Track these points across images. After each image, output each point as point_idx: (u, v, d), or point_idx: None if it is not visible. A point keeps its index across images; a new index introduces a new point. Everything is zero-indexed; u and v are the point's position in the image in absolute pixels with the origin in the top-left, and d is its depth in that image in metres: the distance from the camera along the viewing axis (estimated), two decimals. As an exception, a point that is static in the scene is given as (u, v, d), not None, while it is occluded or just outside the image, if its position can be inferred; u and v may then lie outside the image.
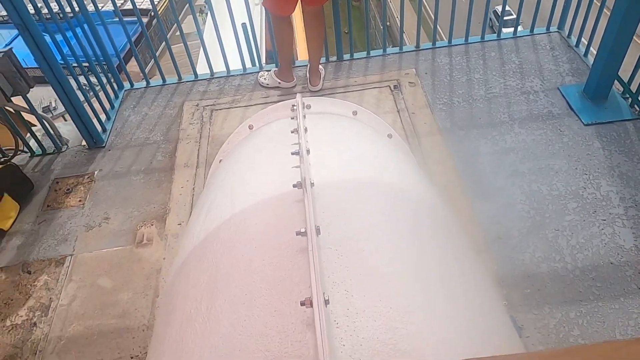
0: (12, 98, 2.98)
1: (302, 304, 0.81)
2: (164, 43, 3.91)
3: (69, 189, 3.13)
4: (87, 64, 3.42)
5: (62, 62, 3.03)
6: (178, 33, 3.70)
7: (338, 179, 1.18)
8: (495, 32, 3.97)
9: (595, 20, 3.41)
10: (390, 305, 0.85)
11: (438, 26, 3.76)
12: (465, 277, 1.04)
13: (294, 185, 1.09)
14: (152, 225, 2.83)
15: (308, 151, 1.23)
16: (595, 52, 3.20)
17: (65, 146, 3.46)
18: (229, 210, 1.18)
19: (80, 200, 3.05)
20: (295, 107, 1.78)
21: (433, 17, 3.69)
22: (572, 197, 2.63)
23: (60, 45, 3.05)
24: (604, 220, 2.49)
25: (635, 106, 3.08)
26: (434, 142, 3.08)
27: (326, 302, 0.80)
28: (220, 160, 2.02)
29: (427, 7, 14.61)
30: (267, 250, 0.98)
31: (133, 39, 3.69)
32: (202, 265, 1.06)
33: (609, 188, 2.65)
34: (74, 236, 2.83)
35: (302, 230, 0.94)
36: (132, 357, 2.26)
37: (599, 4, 3.31)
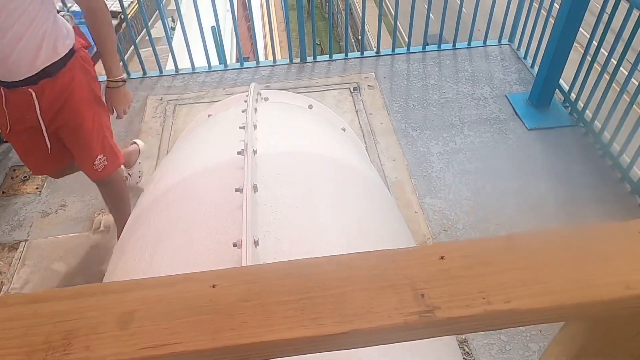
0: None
1: (234, 244, 0.90)
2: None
3: (25, 177, 3.11)
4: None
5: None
6: (147, 37, 3.74)
7: (281, 150, 1.29)
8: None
9: (541, 34, 3.67)
10: (315, 252, 0.96)
11: (399, 32, 3.95)
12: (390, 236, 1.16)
13: (238, 153, 1.19)
14: (109, 213, 2.85)
15: (255, 126, 1.33)
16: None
17: (24, 135, 3.43)
18: (178, 176, 1.26)
19: (37, 188, 3.04)
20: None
21: (393, 24, 3.87)
22: (512, 195, 2.82)
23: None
24: (541, 215, 2.68)
25: (574, 114, 3.33)
26: (389, 141, 3.23)
27: (255, 243, 0.90)
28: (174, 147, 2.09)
29: (389, 15, 15.03)
30: (209, 206, 1.07)
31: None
32: (149, 221, 1.14)
33: (546, 187, 2.86)
34: (29, 222, 2.82)
35: (241, 187, 1.04)
36: (83, 339, 2.27)
37: (545, 14, 3.56)
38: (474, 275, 0.55)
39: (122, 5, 3.67)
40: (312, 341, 0.51)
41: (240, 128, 1.36)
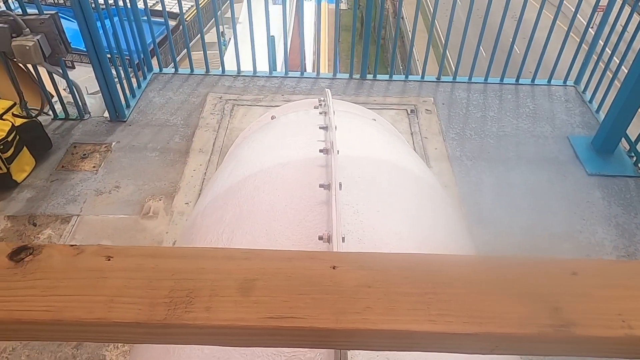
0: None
1: (321, 238, 0.89)
2: (198, 35, 4.05)
3: (85, 154, 3.22)
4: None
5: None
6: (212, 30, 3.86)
7: (360, 154, 1.28)
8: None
9: (610, 80, 3.57)
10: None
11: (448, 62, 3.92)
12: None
13: (320, 151, 1.19)
14: (160, 200, 2.90)
15: (336, 127, 1.33)
16: (607, 111, 3.35)
17: (88, 115, 3.57)
18: (256, 167, 1.27)
19: (94, 167, 3.14)
20: (322, 102, 1.88)
21: (457, 54, 3.85)
22: (566, 238, 2.71)
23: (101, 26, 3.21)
24: (595, 264, 2.56)
25: (639, 165, 3.20)
26: (442, 167, 3.19)
27: (343, 239, 0.88)
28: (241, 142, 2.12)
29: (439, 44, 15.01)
30: (290, 199, 1.07)
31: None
32: (226, 206, 1.15)
33: (604, 236, 2.74)
34: (83, 198, 2.91)
35: (326, 183, 1.03)
36: (121, 319, 2.30)
37: (618, 62, 3.46)
38: (610, 297, 0.52)
39: (180, 8, 3.82)
40: (438, 338, 0.49)
41: (320, 128, 1.36)
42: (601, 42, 3.84)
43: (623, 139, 3.30)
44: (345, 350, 0.63)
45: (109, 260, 0.55)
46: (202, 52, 3.98)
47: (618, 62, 3.57)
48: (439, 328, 0.49)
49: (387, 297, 0.51)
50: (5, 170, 2.88)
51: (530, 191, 3.02)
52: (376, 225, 1.01)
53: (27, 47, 2.91)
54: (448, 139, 3.43)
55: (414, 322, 0.49)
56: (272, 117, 2.09)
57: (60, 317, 0.49)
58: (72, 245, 0.56)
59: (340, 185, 1.03)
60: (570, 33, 3.66)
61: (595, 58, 3.84)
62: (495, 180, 3.08)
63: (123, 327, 0.49)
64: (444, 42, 3.85)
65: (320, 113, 1.52)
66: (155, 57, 4.06)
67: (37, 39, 2.94)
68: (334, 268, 0.54)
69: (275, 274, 0.53)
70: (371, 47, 4.05)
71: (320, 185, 1.04)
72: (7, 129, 2.85)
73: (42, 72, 3.35)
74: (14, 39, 2.93)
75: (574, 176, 3.13)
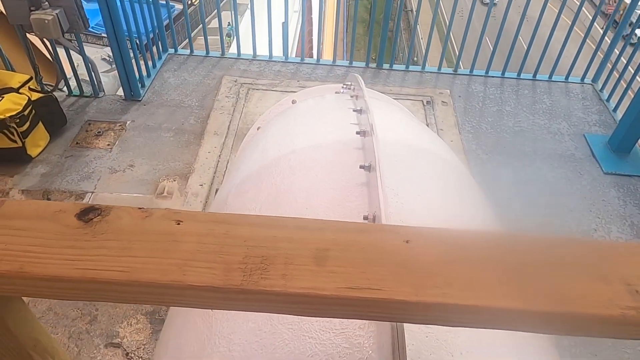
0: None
1: (365, 218, 0.88)
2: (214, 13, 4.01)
3: (99, 132, 3.21)
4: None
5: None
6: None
7: (394, 139, 1.26)
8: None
9: (630, 80, 3.54)
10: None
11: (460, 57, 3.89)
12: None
13: (357, 133, 1.17)
14: (174, 180, 2.90)
15: (369, 110, 1.32)
16: (624, 110, 3.32)
17: (102, 93, 3.55)
18: (288, 148, 1.26)
19: (108, 144, 3.13)
20: (348, 86, 1.86)
21: (476, 47, 3.81)
22: (581, 236, 2.70)
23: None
24: (610, 262, 2.56)
25: (656, 166, 3.18)
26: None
27: (387, 219, 0.87)
28: (258, 128, 2.09)
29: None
30: (329, 179, 1.06)
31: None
32: (260, 185, 1.14)
33: (619, 235, 2.73)
34: (98, 176, 2.90)
35: (367, 164, 1.02)
36: (135, 296, 2.30)
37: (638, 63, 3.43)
38: (692, 282, 0.51)
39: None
40: (519, 315, 0.48)
41: (354, 111, 1.34)
42: (621, 41, 3.80)
43: (640, 139, 3.27)
44: (420, 323, 0.62)
45: (179, 224, 0.54)
46: (215, 37, 3.95)
47: (638, 62, 3.53)
48: (521, 305, 0.48)
49: (466, 274, 0.50)
50: (20, 144, 2.87)
51: (546, 187, 3.00)
52: (417, 209, 1.00)
53: (46, 21, 2.88)
54: (464, 131, 3.40)
55: (495, 298, 0.48)
56: (293, 102, 2.07)
57: (135, 278, 0.48)
58: (140, 208, 0.55)
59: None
60: (590, 30, 3.62)
61: (616, 56, 3.80)
62: (511, 175, 3.07)
63: (199, 291, 0.49)
64: (462, 36, 3.81)
65: (352, 97, 1.50)
66: (170, 38, 4.03)
67: (56, 13, 2.91)
68: (407, 242, 0.53)
69: (349, 245, 0.52)
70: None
71: (361, 167, 1.03)
72: (24, 102, 2.83)
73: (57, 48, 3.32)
74: (33, 12, 2.91)
75: (590, 174, 3.11)
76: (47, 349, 0.66)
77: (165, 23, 3.89)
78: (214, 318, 0.84)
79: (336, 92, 1.95)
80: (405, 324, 0.74)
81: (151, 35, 3.76)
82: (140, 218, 0.54)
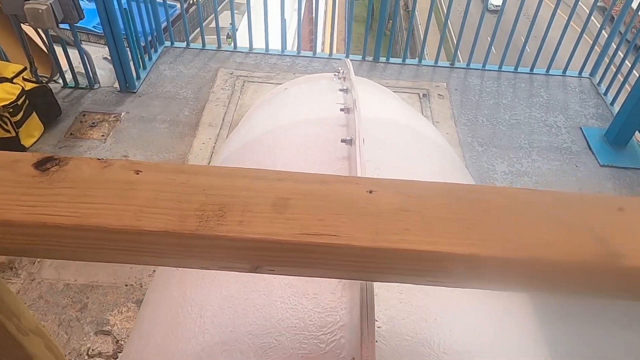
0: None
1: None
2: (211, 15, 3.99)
3: (94, 123, 3.20)
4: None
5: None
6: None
7: (381, 117, 1.25)
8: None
9: (627, 73, 3.52)
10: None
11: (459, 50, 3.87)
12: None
13: (341, 110, 1.16)
14: (168, 171, 2.89)
15: (353, 88, 1.31)
16: (621, 103, 3.31)
17: (98, 84, 3.55)
18: (273, 124, 1.25)
19: (102, 135, 3.12)
20: (339, 72, 1.85)
21: (473, 40, 3.79)
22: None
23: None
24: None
25: (652, 158, 3.16)
26: (452, 152, 3.15)
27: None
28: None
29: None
30: (310, 153, 1.05)
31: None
32: (243, 161, 1.13)
33: (614, 226, 2.71)
34: (91, 166, 2.89)
35: (348, 138, 1.01)
36: (126, 285, 2.30)
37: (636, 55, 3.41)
38: (659, 232, 0.50)
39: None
40: (479, 262, 0.47)
41: (340, 90, 1.34)
42: (619, 34, 3.79)
43: (637, 131, 3.25)
44: (377, 279, 0.61)
45: (138, 174, 0.53)
46: (213, 35, 3.94)
47: (635, 55, 3.51)
48: (480, 251, 0.47)
49: (426, 221, 0.49)
50: (14, 134, 2.87)
51: (541, 179, 2.99)
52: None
53: (40, 11, 2.88)
54: (460, 124, 3.39)
55: (454, 244, 0.47)
56: (285, 89, 2.07)
57: (87, 222, 0.47)
58: (99, 159, 0.54)
59: (363, 140, 1.01)
60: (588, 24, 3.60)
61: (613, 49, 3.79)
62: (506, 167, 3.05)
63: (152, 236, 0.48)
64: (459, 30, 3.79)
65: (340, 78, 1.49)
66: (167, 31, 4.02)
67: (50, 3, 2.90)
68: (370, 192, 0.52)
69: (309, 194, 0.52)
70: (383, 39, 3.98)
71: (342, 140, 1.02)
72: (17, 92, 2.83)
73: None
74: (27, 1, 2.90)
75: (586, 166, 3.10)
76: (12, 310, 0.65)
77: (170, 19, 3.89)
78: (188, 287, 0.83)
79: (334, 78, 1.95)
80: (377, 289, 0.73)
81: (148, 34, 3.75)
82: (99, 168, 0.53)
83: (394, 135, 1.18)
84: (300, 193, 0.52)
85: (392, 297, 0.73)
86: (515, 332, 0.81)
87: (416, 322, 0.71)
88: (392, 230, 0.48)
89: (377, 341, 0.66)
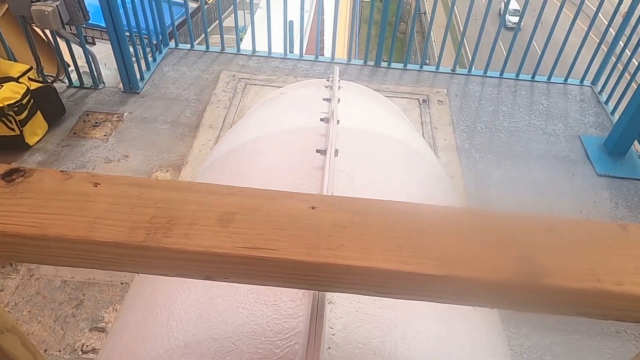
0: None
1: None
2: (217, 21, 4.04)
3: (97, 123, 3.26)
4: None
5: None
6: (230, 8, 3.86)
7: (361, 128, 1.28)
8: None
9: (628, 82, 3.52)
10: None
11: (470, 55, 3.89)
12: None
13: (321, 120, 1.20)
14: (167, 171, 2.94)
15: (339, 100, 1.34)
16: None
17: (102, 84, 3.61)
18: (258, 133, 1.28)
19: (105, 135, 3.18)
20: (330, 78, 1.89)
21: (474, 47, 3.81)
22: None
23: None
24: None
25: (650, 169, 3.16)
26: (450, 158, 3.17)
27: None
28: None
29: (467, 37, 14.81)
30: (287, 162, 1.08)
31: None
32: (223, 168, 1.16)
33: (608, 236, 2.71)
34: (93, 165, 2.95)
35: (323, 149, 1.04)
36: (122, 283, 2.35)
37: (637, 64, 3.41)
38: (583, 252, 0.52)
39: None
40: (407, 278, 0.50)
41: (324, 100, 1.37)
42: (621, 44, 3.77)
43: (636, 141, 3.25)
44: (318, 289, 0.64)
45: (96, 186, 0.56)
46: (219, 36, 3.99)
47: (637, 64, 3.50)
48: (409, 268, 0.50)
49: (362, 238, 0.52)
50: (18, 132, 2.93)
51: (537, 187, 3.00)
52: (369, 192, 1.02)
53: (46, 12, 2.94)
54: (458, 130, 3.41)
55: (385, 261, 0.50)
56: (282, 93, 2.10)
57: (44, 233, 0.51)
58: (62, 171, 0.58)
59: (336, 152, 1.04)
60: (590, 33, 3.60)
61: (614, 59, 3.78)
62: (503, 174, 3.06)
63: (103, 247, 0.51)
64: (461, 33, 3.81)
65: (327, 87, 1.52)
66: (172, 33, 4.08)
67: (56, 5, 2.97)
68: (313, 208, 0.55)
69: (255, 209, 0.55)
70: (389, 41, 4.01)
71: (317, 151, 1.05)
72: (22, 91, 2.89)
73: (60, 40, 3.38)
74: (33, 3, 2.96)
75: (583, 175, 3.10)
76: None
77: (180, 20, 3.94)
78: (160, 291, 0.87)
79: (325, 86, 1.98)
80: (336, 297, 0.76)
81: (153, 36, 3.81)
82: (60, 179, 0.57)
83: (372, 145, 1.21)
84: (247, 208, 0.55)
85: (349, 306, 0.76)
86: (472, 339, 0.83)
87: (370, 330, 0.74)
88: (327, 245, 0.51)
89: (329, 348, 0.69)
